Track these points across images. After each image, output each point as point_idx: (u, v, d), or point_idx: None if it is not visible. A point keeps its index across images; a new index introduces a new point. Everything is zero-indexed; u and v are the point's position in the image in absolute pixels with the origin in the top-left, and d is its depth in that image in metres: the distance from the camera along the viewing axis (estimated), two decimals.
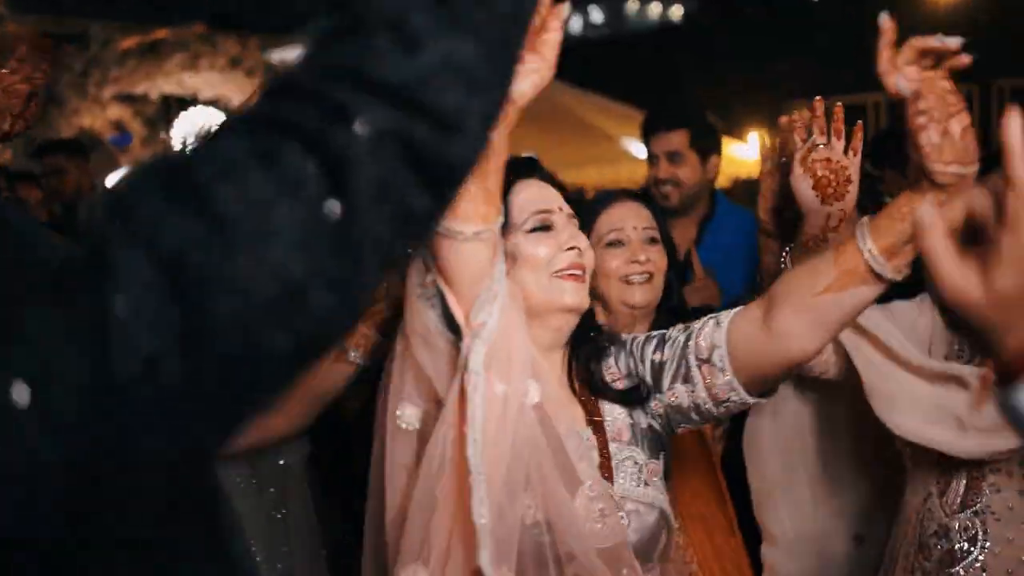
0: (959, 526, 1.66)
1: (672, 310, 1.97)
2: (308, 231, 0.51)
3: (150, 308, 0.48)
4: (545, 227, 1.45)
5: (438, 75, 0.53)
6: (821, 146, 1.63)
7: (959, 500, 1.67)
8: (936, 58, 1.36)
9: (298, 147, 0.51)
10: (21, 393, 0.46)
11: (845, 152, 1.63)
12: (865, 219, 1.38)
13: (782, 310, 1.36)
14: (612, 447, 1.42)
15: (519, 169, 1.45)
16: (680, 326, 1.49)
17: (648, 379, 1.45)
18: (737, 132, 9.79)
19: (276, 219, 0.50)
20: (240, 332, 0.50)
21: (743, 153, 9.63)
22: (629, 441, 1.44)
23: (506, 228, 1.38)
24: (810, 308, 1.35)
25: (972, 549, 1.64)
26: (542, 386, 1.31)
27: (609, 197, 2.00)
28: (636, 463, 1.43)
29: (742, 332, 1.39)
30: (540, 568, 1.28)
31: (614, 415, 1.45)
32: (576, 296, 1.43)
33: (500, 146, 1.21)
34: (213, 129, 0.55)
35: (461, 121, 0.54)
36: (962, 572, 1.64)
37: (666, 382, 1.44)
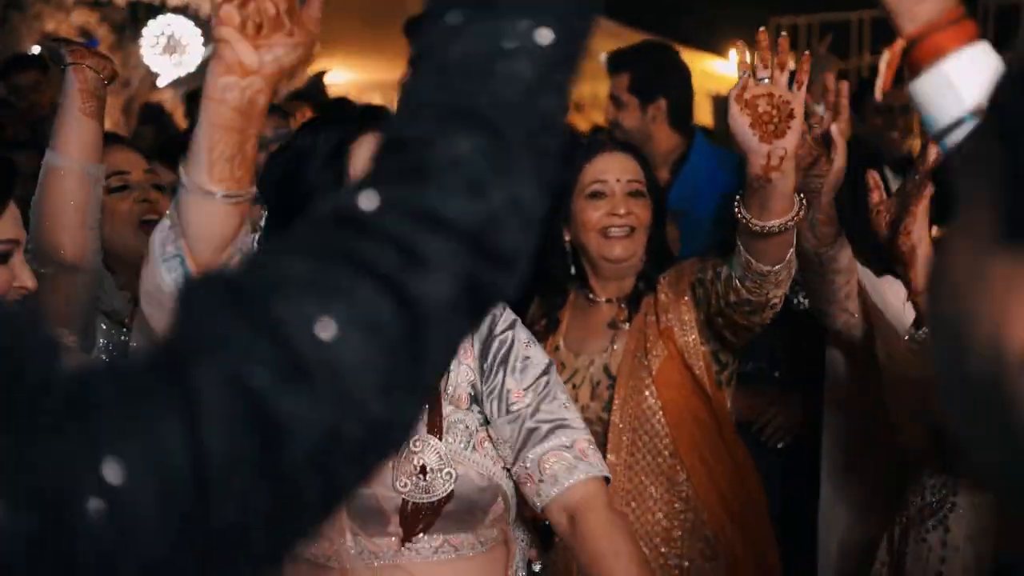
0: (933, 483, 1.68)
1: (658, 265, 1.94)
2: (390, 374, 0.51)
3: (239, 445, 0.46)
4: None
5: (502, 219, 0.55)
6: (764, 80, 1.56)
7: (942, 459, 1.68)
8: None
9: (374, 288, 0.51)
10: (97, 507, 0.42)
11: (790, 86, 1.56)
12: None
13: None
14: (447, 408, 1.41)
15: (367, 121, 1.41)
16: (547, 393, 1.45)
17: (487, 389, 1.44)
18: (718, 48, 9.63)
19: (357, 362, 0.50)
20: (321, 471, 0.49)
21: (724, 69, 9.51)
22: (467, 408, 1.43)
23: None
24: None
25: (942, 507, 1.66)
26: None
27: (594, 147, 1.96)
28: (467, 427, 1.41)
29: (551, 512, 1.43)
30: (366, 522, 1.33)
31: (458, 381, 1.43)
32: None
33: (261, 113, 1.12)
34: (271, 250, 0.55)
35: (516, 260, 0.56)
36: (929, 527, 1.66)
37: (495, 419, 1.44)
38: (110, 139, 2.02)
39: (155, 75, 8.34)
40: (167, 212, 1.17)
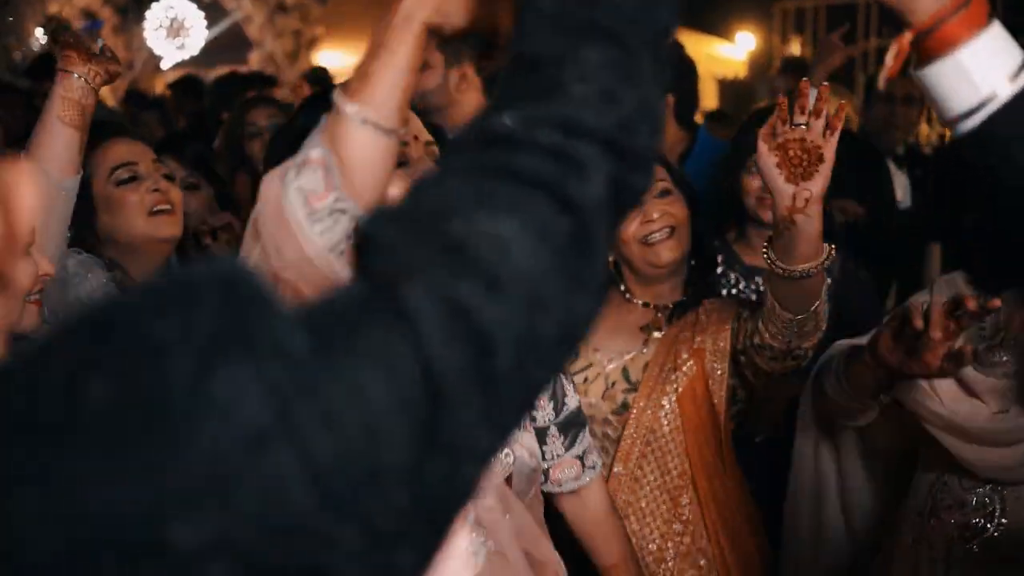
0: (976, 501, 1.61)
1: (709, 259, 1.91)
2: (567, 274, 0.54)
3: (460, 357, 0.49)
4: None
5: (634, 123, 0.59)
6: (801, 126, 1.55)
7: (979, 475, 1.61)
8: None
9: (538, 197, 0.54)
10: (355, 430, 0.46)
11: (824, 133, 1.55)
12: None
13: None
14: None
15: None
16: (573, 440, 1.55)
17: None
18: (725, 31, 9.59)
19: (538, 267, 0.53)
20: (523, 373, 0.53)
21: (730, 53, 9.47)
22: None
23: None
24: None
25: (988, 525, 1.59)
26: None
27: None
28: None
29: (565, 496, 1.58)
30: None
31: None
32: None
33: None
34: (430, 181, 0.57)
35: (648, 160, 0.61)
36: (975, 548, 1.59)
37: (547, 409, 1.53)
38: (115, 130, 1.97)
39: (158, 58, 8.32)
40: (299, 166, 0.97)
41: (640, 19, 0.60)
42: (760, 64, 8.89)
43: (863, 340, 1.64)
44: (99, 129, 1.89)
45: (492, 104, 0.59)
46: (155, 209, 1.84)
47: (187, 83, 5.39)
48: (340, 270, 0.96)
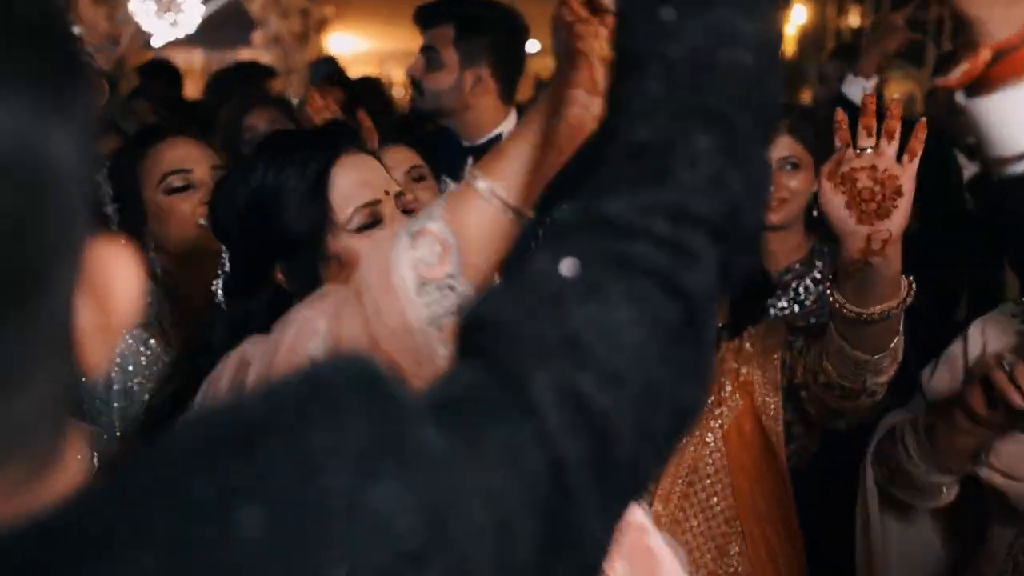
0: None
1: (758, 287, 1.74)
2: (680, 363, 0.56)
3: (579, 448, 0.51)
4: None
5: (742, 204, 0.60)
6: (868, 150, 1.36)
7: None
8: None
9: (652, 287, 0.56)
10: (481, 516, 0.47)
11: (899, 158, 1.35)
12: None
13: None
14: None
15: (338, 142, 1.32)
16: None
17: None
18: None
19: (653, 357, 0.55)
20: (635, 464, 0.54)
21: None
22: None
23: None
24: None
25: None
26: None
27: None
28: None
29: None
30: None
31: None
32: None
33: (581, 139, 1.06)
34: (534, 267, 0.57)
35: (755, 238, 0.64)
36: None
37: None
38: (172, 131, 1.86)
39: (148, 34, 7.75)
40: (414, 230, 1.03)
41: (749, 98, 0.61)
42: (812, 39, 8.27)
43: (908, 413, 1.60)
44: (154, 129, 1.87)
45: (596, 185, 0.60)
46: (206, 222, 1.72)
47: (156, 67, 4.89)
48: (437, 345, 1.01)
